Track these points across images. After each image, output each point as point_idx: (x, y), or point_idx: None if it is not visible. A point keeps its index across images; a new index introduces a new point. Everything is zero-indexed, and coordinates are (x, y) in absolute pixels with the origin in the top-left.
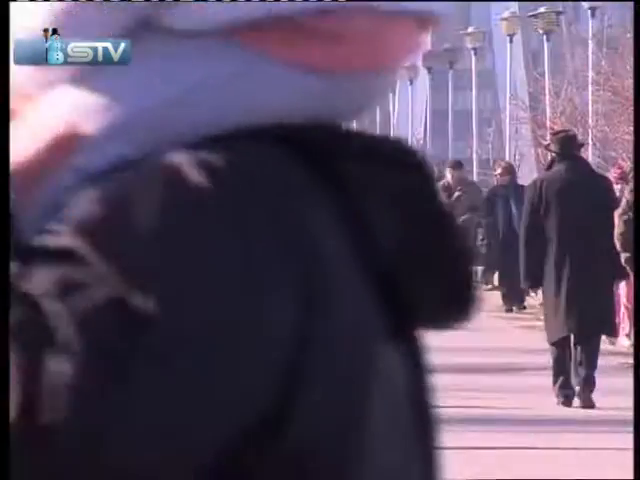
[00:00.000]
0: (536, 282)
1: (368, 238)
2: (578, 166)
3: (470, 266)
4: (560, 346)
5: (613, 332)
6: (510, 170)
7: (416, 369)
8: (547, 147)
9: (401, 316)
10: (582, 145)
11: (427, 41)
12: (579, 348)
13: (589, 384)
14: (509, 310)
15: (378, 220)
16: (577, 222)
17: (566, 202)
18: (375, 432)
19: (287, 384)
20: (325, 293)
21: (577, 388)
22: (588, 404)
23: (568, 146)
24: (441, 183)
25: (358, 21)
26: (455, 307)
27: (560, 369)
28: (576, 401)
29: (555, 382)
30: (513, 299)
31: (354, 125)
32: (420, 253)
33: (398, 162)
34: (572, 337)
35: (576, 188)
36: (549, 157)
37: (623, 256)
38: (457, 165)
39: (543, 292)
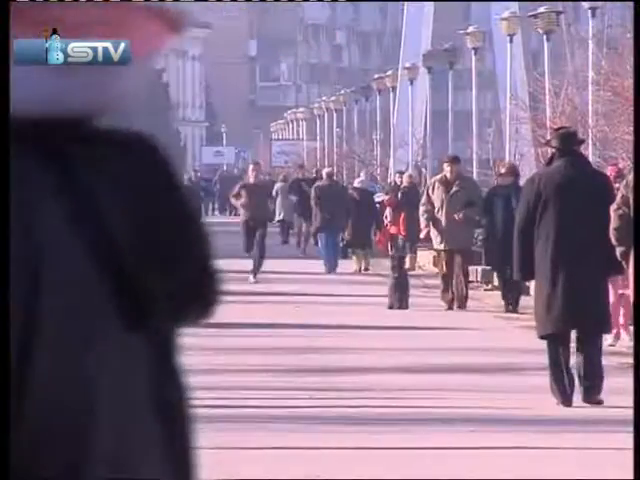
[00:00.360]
0: (529, 275)
1: (95, 220)
2: (578, 162)
3: (210, 262)
4: (553, 342)
5: (610, 330)
6: (514, 171)
7: (162, 366)
8: (547, 143)
9: (133, 307)
10: (582, 142)
11: (171, 41)
12: (583, 347)
13: (597, 382)
14: (509, 310)
15: (105, 205)
16: (575, 217)
17: (565, 197)
18: (102, 416)
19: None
20: (36, 268)
21: (577, 381)
22: (595, 401)
23: (568, 142)
24: (439, 177)
25: (96, 12)
26: (196, 304)
27: (556, 367)
28: (576, 401)
29: (553, 382)
30: (510, 299)
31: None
32: (153, 245)
33: (133, 154)
34: (567, 334)
35: (575, 183)
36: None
37: (618, 250)
38: (455, 160)
39: (536, 285)
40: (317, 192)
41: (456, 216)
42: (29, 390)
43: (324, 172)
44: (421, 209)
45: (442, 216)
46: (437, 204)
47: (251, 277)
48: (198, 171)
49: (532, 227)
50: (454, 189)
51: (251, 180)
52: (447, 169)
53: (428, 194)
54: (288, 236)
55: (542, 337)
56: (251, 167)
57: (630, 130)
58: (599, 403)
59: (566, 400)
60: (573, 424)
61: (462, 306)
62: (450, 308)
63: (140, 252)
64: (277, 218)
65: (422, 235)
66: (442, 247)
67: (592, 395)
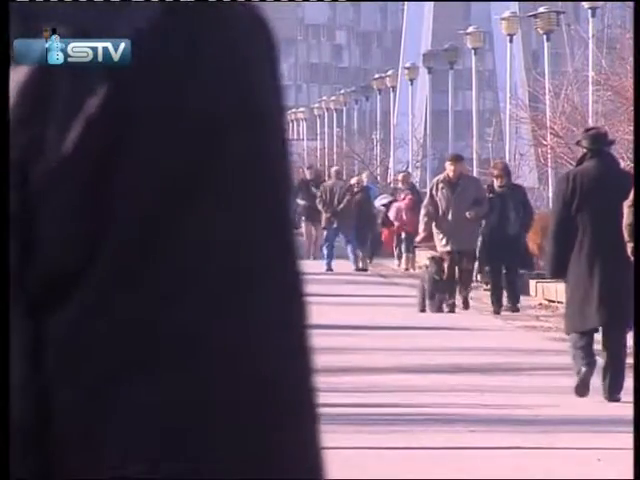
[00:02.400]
0: (563, 272)
1: None
2: (609, 162)
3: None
4: (581, 338)
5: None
6: (506, 171)
7: None
8: (578, 143)
9: None
10: (612, 142)
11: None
12: (610, 344)
13: (621, 379)
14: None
15: None
16: (607, 216)
17: (598, 196)
18: None
19: None
20: None
21: (601, 377)
22: (615, 399)
23: (599, 142)
24: (441, 177)
25: None
26: None
27: (584, 364)
28: (576, 400)
29: (580, 379)
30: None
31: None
32: None
33: None
34: (595, 331)
35: (608, 182)
36: (548, 156)
37: (630, 246)
38: (457, 158)
39: (569, 283)
40: (322, 192)
41: (468, 214)
42: None
43: (332, 170)
44: (422, 211)
45: (448, 217)
46: (442, 205)
47: None
48: None
49: (568, 224)
50: (459, 189)
51: None
52: (450, 168)
53: (432, 195)
54: None
55: (571, 333)
56: None
57: (630, 130)
58: (617, 400)
59: (585, 392)
60: (573, 424)
61: (466, 306)
62: (452, 311)
63: None
64: None
65: (418, 239)
66: (447, 249)
67: (615, 392)
